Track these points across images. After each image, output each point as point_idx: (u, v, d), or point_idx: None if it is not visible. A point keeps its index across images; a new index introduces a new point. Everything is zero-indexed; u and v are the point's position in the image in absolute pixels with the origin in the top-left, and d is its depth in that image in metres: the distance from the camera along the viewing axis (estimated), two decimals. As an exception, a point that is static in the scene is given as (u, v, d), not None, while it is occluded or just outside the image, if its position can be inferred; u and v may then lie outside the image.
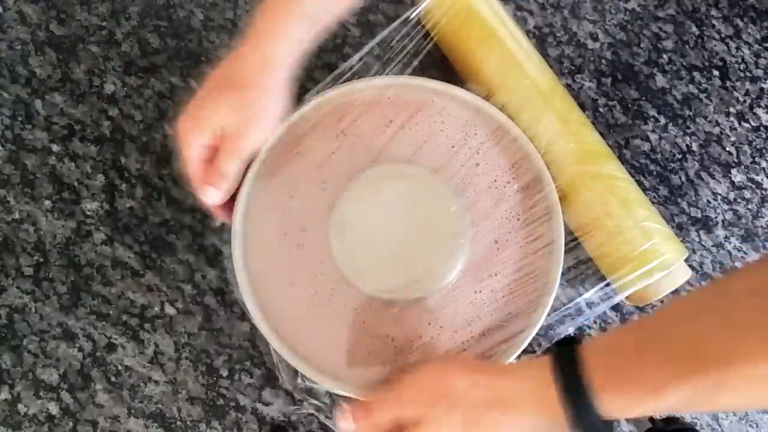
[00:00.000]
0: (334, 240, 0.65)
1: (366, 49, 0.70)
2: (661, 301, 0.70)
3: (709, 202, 0.75)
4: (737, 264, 0.75)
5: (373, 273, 0.65)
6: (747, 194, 0.76)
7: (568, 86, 0.77)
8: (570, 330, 0.70)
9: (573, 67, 0.78)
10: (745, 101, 0.77)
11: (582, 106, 0.74)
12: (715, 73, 0.77)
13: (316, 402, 0.65)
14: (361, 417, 0.57)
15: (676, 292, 0.68)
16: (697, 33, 0.78)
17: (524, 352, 0.65)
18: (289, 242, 0.67)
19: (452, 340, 0.66)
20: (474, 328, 0.66)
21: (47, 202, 0.75)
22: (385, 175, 0.66)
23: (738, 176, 0.76)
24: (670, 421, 0.71)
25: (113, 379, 0.73)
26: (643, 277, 0.67)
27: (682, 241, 0.69)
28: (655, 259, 0.66)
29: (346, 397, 0.65)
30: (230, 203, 0.65)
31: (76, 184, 0.75)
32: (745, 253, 0.75)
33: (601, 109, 0.77)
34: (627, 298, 0.69)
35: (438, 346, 0.66)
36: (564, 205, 0.67)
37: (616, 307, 0.74)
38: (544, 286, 0.65)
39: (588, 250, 0.70)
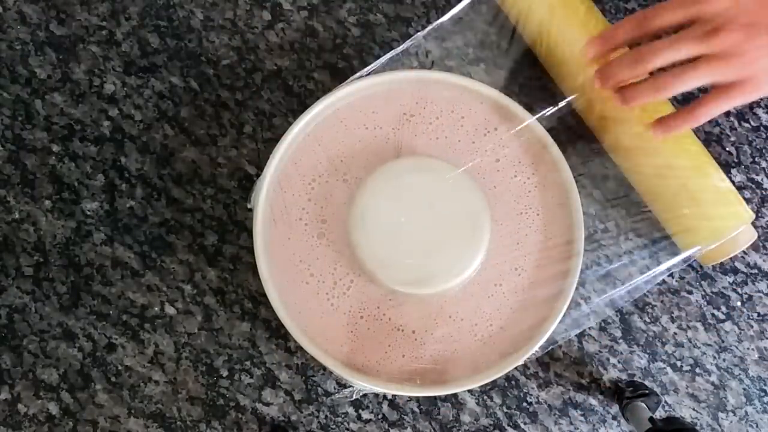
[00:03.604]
0: (354, 232, 0.66)
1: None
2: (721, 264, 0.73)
3: (709, 202, 0.76)
4: (737, 264, 0.75)
5: (393, 266, 0.65)
6: (747, 194, 0.76)
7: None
8: (572, 334, 0.70)
9: (573, 67, 0.78)
10: (745, 101, 0.77)
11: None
12: (715, 73, 0.77)
13: (361, 383, 0.65)
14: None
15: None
16: (697, 33, 0.78)
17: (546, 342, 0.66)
18: (309, 232, 0.67)
19: (472, 332, 0.66)
20: (494, 321, 0.66)
21: (47, 202, 0.75)
22: (406, 168, 0.67)
23: (738, 176, 0.76)
24: (670, 421, 0.71)
25: (113, 379, 0.73)
26: (710, 237, 0.67)
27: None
28: (723, 219, 0.67)
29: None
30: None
31: (76, 184, 0.75)
32: (745, 252, 0.75)
33: (601, 109, 0.77)
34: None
35: (458, 338, 0.66)
36: (626, 160, 0.69)
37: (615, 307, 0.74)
38: (564, 279, 0.66)
39: (651, 206, 0.71)
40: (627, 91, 0.62)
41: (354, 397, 0.70)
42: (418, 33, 0.70)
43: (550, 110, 0.68)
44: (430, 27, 0.70)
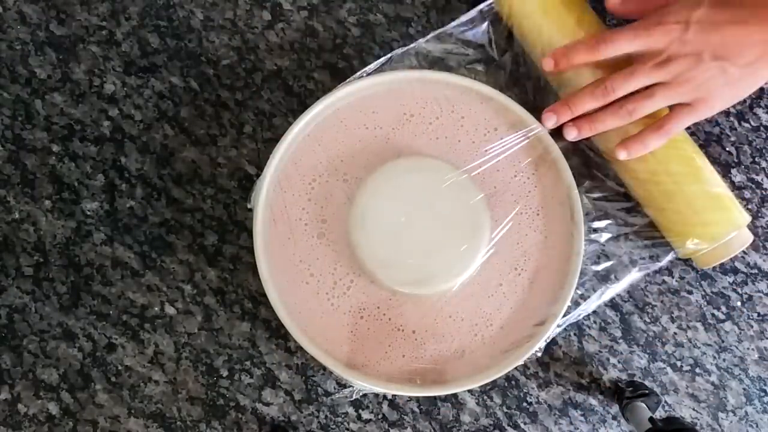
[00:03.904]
0: (354, 232, 0.66)
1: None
2: (721, 264, 0.74)
3: (709, 202, 0.75)
4: (737, 264, 0.75)
5: (393, 266, 0.65)
6: (747, 194, 0.76)
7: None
8: (572, 334, 0.70)
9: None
10: (745, 101, 0.77)
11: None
12: (715, 73, 0.77)
13: (361, 383, 0.65)
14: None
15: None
16: (697, 33, 0.78)
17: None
18: (309, 232, 0.67)
19: (472, 332, 0.67)
20: (494, 321, 0.67)
21: (47, 202, 0.75)
22: (406, 168, 0.67)
23: (738, 176, 0.76)
24: (670, 421, 0.71)
25: (113, 379, 0.73)
26: (704, 241, 0.68)
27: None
28: (717, 224, 0.67)
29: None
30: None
31: (76, 184, 0.75)
32: (745, 252, 0.75)
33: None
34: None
35: (458, 338, 0.66)
36: (622, 165, 0.69)
37: (615, 307, 0.74)
38: (564, 279, 0.66)
39: (647, 210, 0.71)
40: (585, 121, 0.67)
41: (354, 397, 0.70)
42: (420, 40, 0.70)
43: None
44: (432, 34, 0.71)
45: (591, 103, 0.66)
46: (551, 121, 0.67)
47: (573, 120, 0.67)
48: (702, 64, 0.62)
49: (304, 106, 0.70)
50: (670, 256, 0.71)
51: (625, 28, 0.64)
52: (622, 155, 0.66)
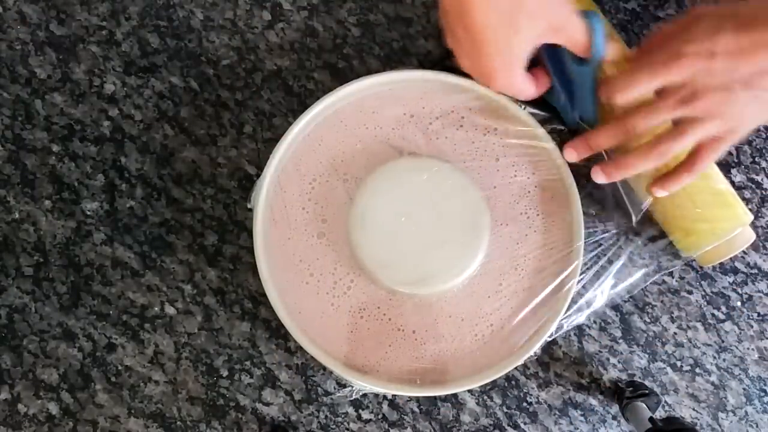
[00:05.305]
0: (354, 232, 0.66)
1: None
2: (721, 264, 0.74)
3: (709, 202, 0.75)
4: (737, 264, 0.75)
5: (393, 266, 0.65)
6: (747, 194, 0.76)
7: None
8: (572, 333, 0.70)
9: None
10: (745, 101, 0.77)
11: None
12: (715, 73, 0.77)
13: (361, 383, 0.65)
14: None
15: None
16: (697, 33, 0.78)
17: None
18: (309, 232, 0.67)
19: (472, 332, 0.67)
20: (494, 321, 0.67)
21: (47, 202, 0.75)
22: (406, 168, 0.67)
23: (738, 176, 0.76)
24: (670, 421, 0.71)
25: (113, 379, 0.73)
26: (707, 238, 0.68)
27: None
28: (720, 221, 0.67)
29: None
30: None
31: (76, 184, 0.75)
32: (745, 252, 0.75)
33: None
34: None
35: (458, 338, 0.66)
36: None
37: (616, 307, 0.74)
38: (564, 279, 0.66)
39: (649, 207, 0.71)
40: (614, 167, 0.65)
41: (354, 396, 0.70)
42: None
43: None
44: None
45: (611, 142, 0.64)
46: (571, 157, 0.66)
47: (600, 164, 0.66)
48: (733, 96, 0.58)
49: (304, 106, 0.70)
50: (676, 264, 0.71)
51: (642, 68, 0.60)
52: (659, 194, 0.66)
